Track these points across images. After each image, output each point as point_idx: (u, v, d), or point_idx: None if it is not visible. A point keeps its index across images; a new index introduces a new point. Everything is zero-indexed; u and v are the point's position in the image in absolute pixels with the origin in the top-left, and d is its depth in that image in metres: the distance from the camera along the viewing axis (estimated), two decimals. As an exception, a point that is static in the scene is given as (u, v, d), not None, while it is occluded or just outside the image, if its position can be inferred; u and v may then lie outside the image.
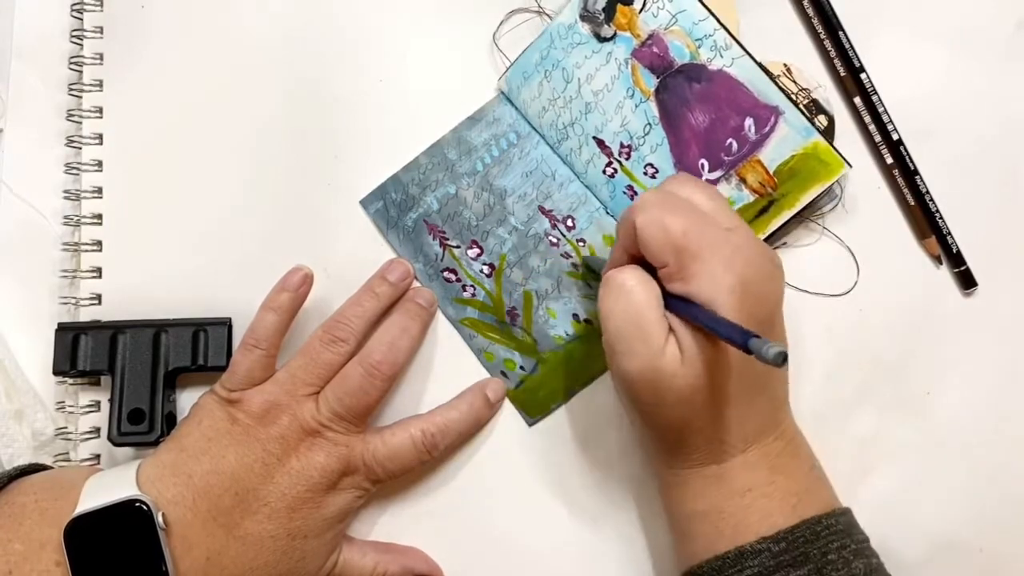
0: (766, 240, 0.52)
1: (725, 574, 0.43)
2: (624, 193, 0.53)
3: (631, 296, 0.43)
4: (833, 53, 0.55)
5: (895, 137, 0.55)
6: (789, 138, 0.51)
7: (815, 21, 0.55)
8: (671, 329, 0.43)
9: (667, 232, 0.42)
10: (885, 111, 0.55)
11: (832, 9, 0.55)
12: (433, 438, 0.50)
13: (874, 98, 0.55)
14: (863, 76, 0.55)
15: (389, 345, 0.49)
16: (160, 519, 0.44)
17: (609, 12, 0.52)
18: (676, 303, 0.43)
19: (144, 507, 0.44)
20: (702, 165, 0.52)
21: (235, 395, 0.48)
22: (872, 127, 0.55)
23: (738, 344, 0.37)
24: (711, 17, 0.52)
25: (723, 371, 0.43)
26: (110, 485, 0.45)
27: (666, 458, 0.46)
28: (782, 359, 0.35)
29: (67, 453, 0.52)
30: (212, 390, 0.49)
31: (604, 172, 0.53)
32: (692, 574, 0.45)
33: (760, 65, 0.52)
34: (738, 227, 0.44)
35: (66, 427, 0.52)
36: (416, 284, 0.52)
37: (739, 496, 0.44)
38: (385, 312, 0.51)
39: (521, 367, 0.52)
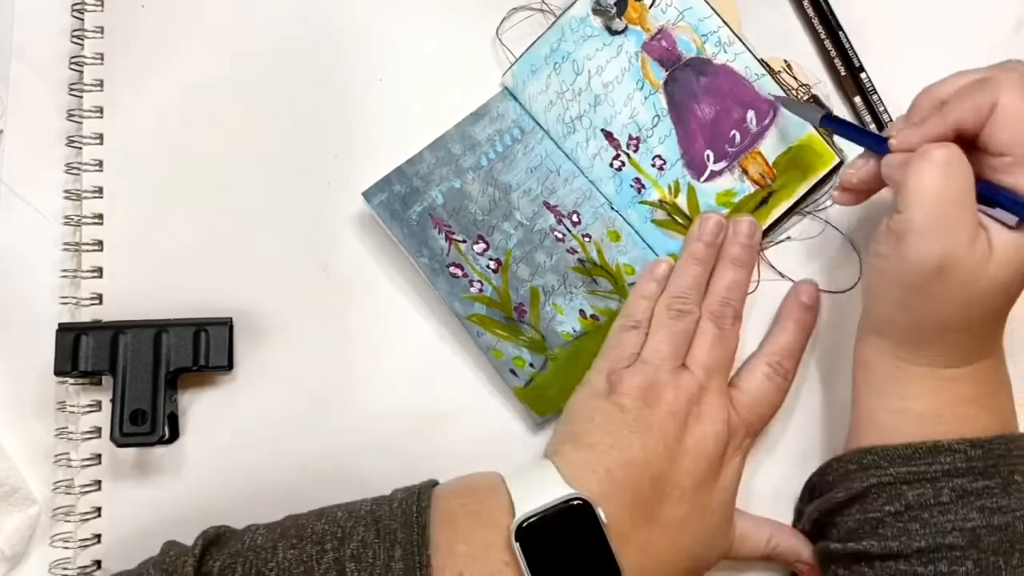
0: (765, 232, 0.53)
1: (914, 462, 0.42)
2: (631, 186, 0.54)
3: (955, 177, 0.40)
4: (833, 53, 0.56)
5: (896, 135, 0.55)
6: (787, 130, 0.53)
7: (815, 21, 0.56)
8: (981, 224, 0.40)
9: None
10: (885, 111, 0.55)
11: (831, 10, 0.55)
12: (781, 366, 0.50)
13: (873, 98, 0.55)
14: (863, 76, 0.55)
15: (724, 300, 0.50)
16: (602, 515, 0.44)
17: (621, 6, 0.54)
18: (999, 194, 0.40)
19: (586, 505, 0.43)
20: (708, 156, 0.54)
21: (615, 376, 0.48)
22: (872, 127, 0.55)
23: None
24: (715, 15, 0.53)
25: (1022, 280, 0.41)
26: (537, 486, 0.45)
27: (902, 350, 0.44)
28: None
29: (68, 453, 0.51)
30: (586, 382, 0.50)
31: (611, 165, 0.54)
32: (877, 452, 0.44)
33: (761, 61, 0.53)
34: None
35: (67, 427, 0.52)
36: (733, 223, 0.51)
37: (962, 404, 0.43)
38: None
39: (531, 364, 0.52)
